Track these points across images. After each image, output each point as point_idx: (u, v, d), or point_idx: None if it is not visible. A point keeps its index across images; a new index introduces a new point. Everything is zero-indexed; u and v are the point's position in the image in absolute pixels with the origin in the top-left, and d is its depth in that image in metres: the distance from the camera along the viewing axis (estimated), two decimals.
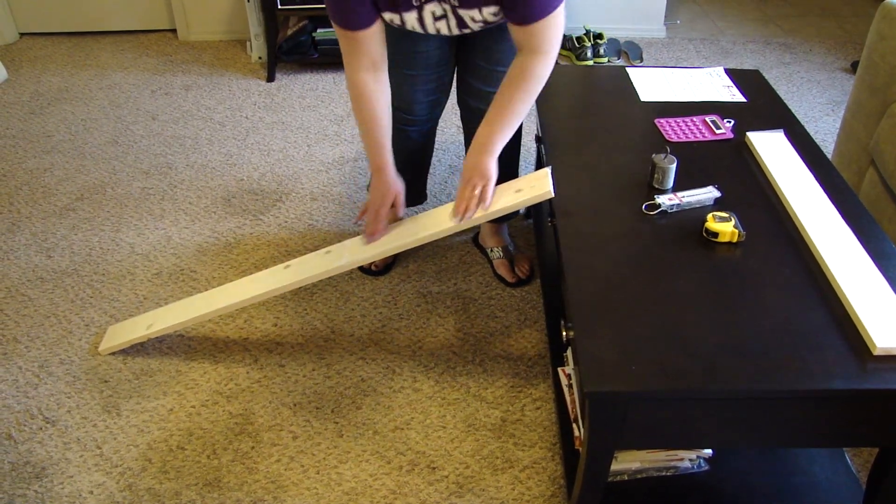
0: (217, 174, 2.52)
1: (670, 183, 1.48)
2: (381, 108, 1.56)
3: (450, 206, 1.63)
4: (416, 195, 2.08)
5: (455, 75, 1.86)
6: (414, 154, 1.96)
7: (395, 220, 1.67)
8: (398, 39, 1.69)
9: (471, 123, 1.87)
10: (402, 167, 1.98)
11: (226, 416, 1.66)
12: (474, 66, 1.76)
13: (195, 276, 2.07)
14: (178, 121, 2.85)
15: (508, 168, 1.93)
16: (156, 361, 1.79)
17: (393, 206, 1.64)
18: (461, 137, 2.73)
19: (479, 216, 1.52)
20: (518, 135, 1.92)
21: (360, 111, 1.55)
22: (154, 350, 1.82)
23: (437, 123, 1.94)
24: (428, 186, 2.30)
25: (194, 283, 2.04)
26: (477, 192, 1.49)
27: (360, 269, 2.07)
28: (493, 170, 1.50)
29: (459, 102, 1.89)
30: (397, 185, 1.63)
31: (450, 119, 2.86)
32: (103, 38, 3.57)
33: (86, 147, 2.68)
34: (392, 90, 1.81)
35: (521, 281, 2.02)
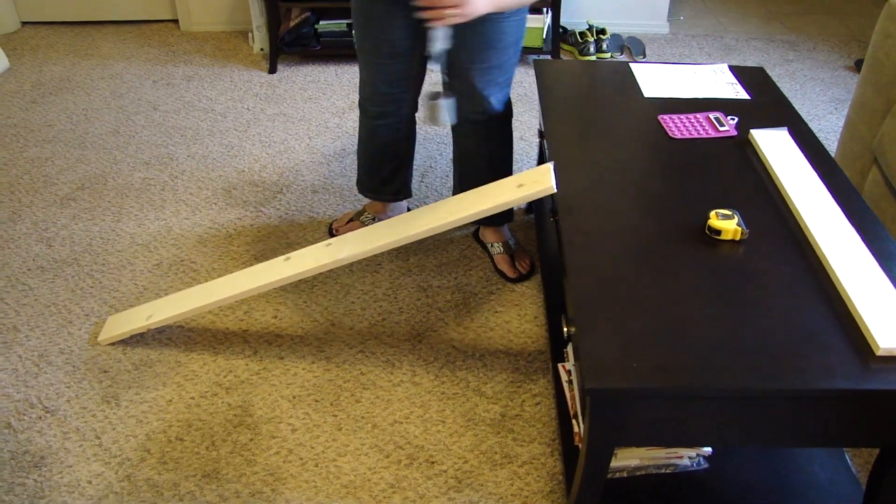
0: (218, 165, 2.51)
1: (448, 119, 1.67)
2: None
3: (450, 201, 1.63)
4: (397, 191, 2.08)
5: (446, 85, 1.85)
6: (387, 149, 1.98)
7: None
8: (368, 26, 1.71)
9: (463, 137, 1.88)
10: (376, 162, 2.00)
11: (225, 407, 1.65)
12: (461, 69, 1.74)
13: (195, 268, 2.06)
14: (179, 111, 2.84)
15: (502, 171, 1.93)
16: (155, 352, 1.79)
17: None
18: (442, 132, 2.72)
19: (479, 211, 1.51)
20: (509, 138, 1.92)
21: None
22: (154, 341, 1.82)
23: (409, 120, 1.95)
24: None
25: (194, 275, 2.04)
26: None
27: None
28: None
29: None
30: None
31: None
32: (105, 28, 3.55)
33: (87, 137, 2.67)
34: (361, 81, 1.88)
35: (522, 276, 2.02)
